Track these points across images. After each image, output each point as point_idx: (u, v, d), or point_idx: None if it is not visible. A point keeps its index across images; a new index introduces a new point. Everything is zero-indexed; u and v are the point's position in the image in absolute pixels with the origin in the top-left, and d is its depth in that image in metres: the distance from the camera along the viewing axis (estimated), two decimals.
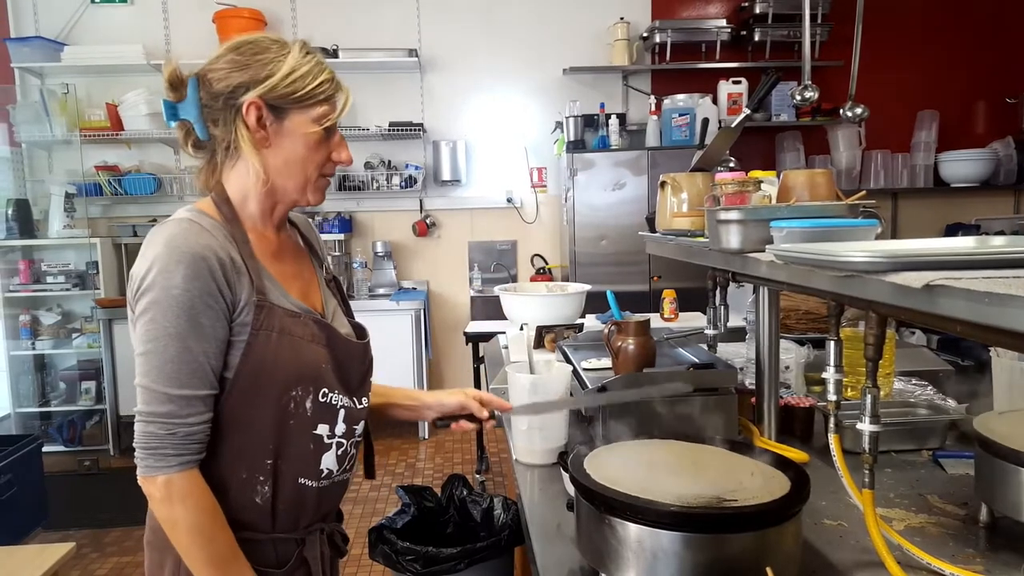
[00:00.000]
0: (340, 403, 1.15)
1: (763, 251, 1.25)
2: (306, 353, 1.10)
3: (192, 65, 1.13)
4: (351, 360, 1.18)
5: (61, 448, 4.65)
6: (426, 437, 4.80)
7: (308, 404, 1.10)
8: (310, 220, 1.37)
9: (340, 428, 1.15)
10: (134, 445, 1.02)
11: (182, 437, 1.01)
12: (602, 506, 1.01)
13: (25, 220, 4.69)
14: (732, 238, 1.34)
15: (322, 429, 1.13)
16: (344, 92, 1.14)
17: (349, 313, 1.29)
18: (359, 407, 1.20)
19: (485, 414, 1.38)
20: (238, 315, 1.05)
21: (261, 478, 1.09)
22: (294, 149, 1.11)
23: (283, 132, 1.10)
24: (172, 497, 1.02)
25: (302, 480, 1.13)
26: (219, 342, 1.04)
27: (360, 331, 1.27)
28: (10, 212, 4.63)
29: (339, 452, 1.16)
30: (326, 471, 1.15)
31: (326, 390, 1.12)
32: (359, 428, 1.21)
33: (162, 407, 1.00)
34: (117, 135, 4.80)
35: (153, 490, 1.02)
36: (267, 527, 1.12)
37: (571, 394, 1.58)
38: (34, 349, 4.78)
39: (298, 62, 1.09)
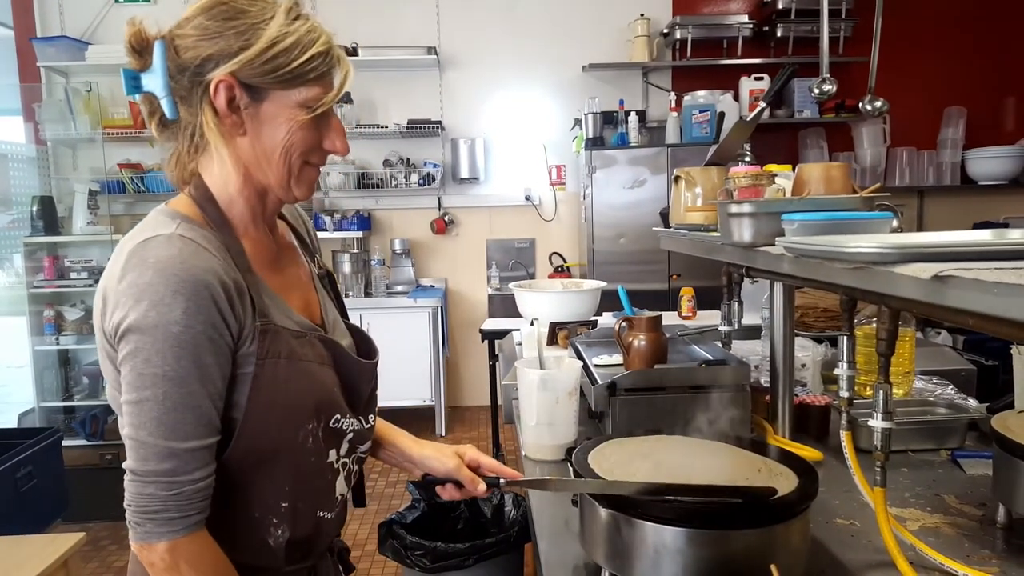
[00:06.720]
0: (350, 427, 1.02)
1: (774, 245, 1.23)
2: (318, 379, 0.97)
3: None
4: (359, 381, 1.04)
5: (83, 442, 4.71)
6: (444, 435, 4.80)
7: (321, 434, 0.97)
8: (298, 208, 1.17)
9: (344, 449, 1.02)
10: (126, 506, 0.85)
11: (188, 496, 0.85)
12: (603, 501, 0.99)
13: (50, 217, 4.75)
14: (743, 232, 1.31)
15: (332, 455, 1.00)
16: (343, 67, 0.93)
17: (344, 314, 1.14)
18: (367, 427, 1.07)
19: (481, 489, 1.14)
20: (242, 344, 0.89)
21: (275, 520, 0.95)
22: (273, 137, 0.91)
23: (261, 117, 0.90)
24: (179, 565, 0.85)
25: (321, 514, 1.00)
26: (225, 380, 0.88)
27: (360, 337, 1.12)
28: (35, 209, 4.70)
29: (345, 473, 1.04)
30: (340, 497, 1.03)
31: (338, 416, 0.99)
32: (364, 447, 1.08)
33: (163, 464, 0.84)
34: (140, 133, 4.85)
35: (154, 558, 0.85)
36: (279, 564, 0.97)
37: (580, 389, 1.57)
38: (58, 344, 4.84)
39: (282, 30, 0.87)
